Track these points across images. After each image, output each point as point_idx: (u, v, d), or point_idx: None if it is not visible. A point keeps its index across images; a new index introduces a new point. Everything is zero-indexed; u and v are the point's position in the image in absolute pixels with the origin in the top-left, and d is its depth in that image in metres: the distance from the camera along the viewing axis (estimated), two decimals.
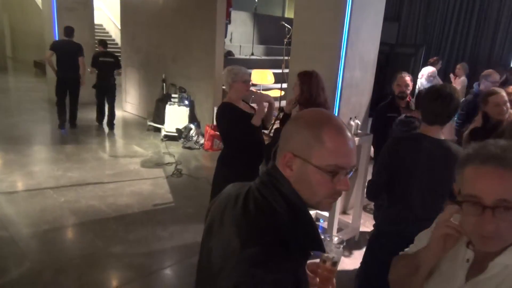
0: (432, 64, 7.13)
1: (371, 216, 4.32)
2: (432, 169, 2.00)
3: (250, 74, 2.96)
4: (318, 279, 1.09)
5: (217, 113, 2.94)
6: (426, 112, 2.02)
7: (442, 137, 2.04)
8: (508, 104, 2.66)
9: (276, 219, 0.87)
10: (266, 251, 0.81)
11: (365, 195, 2.35)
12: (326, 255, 1.07)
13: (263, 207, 0.89)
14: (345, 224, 3.86)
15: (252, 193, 0.93)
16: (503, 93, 2.67)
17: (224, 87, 3.03)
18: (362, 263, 2.35)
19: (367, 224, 4.10)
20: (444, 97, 1.95)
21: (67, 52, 6.46)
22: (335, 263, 1.09)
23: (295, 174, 0.89)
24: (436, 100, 1.96)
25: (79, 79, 6.68)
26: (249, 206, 0.90)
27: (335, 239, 1.12)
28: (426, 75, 5.43)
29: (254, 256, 0.81)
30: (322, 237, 1.04)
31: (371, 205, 4.59)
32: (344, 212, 4.31)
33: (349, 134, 0.90)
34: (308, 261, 1.07)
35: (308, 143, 0.87)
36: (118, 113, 8.48)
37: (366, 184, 2.25)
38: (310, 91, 2.94)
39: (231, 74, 2.83)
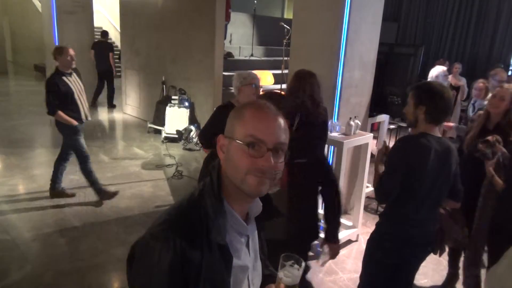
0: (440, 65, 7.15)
1: (372, 216, 4.32)
2: (437, 167, 1.99)
3: (259, 80, 2.94)
4: None
5: (216, 110, 2.93)
6: (433, 111, 1.97)
7: (439, 134, 2.05)
8: (506, 102, 2.65)
9: (195, 203, 0.93)
10: (164, 224, 0.89)
11: (376, 197, 2.28)
12: (279, 276, 1.00)
13: (194, 193, 0.96)
14: (346, 225, 3.86)
15: (203, 181, 0.99)
16: (506, 89, 2.66)
17: (233, 90, 3.00)
18: (364, 267, 2.33)
19: (368, 224, 4.09)
20: (448, 95, 1.96)
21: (101, 50, 8.39)
22: (292, 287, 0.99)
23: (225, 155, 0.93)
24: (442, 99, 1.95)
25: (111, 69, 8.53)
26: (189, 192, 0.98)
27: (292, 262, 1.01)
28: (441, 74, 5.33)
29: (155, 225, 0.90)
30: (284, 256, 1.00)
31: (372, 205, 4.59)
32: (345, 212, 4.31)
33: (273, 112, 0.93)
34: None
35: (233, 122, 0.93)
36: (119, 115, 8.51)
37: (376, 185, 2.17)
38: (291, 90, 2.70)
39: (240, 78, 2.84)
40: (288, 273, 0.98)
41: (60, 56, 3.87)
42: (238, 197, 0.95)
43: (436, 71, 5.24)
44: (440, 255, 2.59)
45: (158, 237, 0.86)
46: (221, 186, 0.94)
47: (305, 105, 2.64)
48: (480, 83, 4.51)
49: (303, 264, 1.01)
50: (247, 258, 0.99)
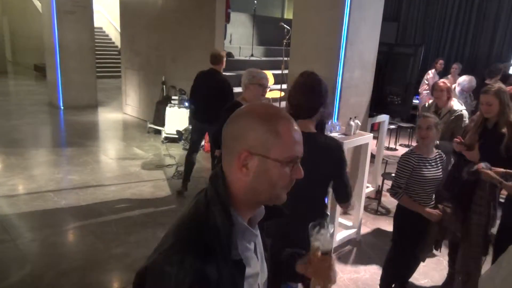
0: (435, 67, 7.14)
1: (372, 216, 4.32)
2: (307, 165, 1.96)
3: (268, 80, 2.96)
4: (311, 271, 1.03)
5: (225, 113, 2.96)
6: (290, 106, 1.98)
7: (313, 130, 1.99)
8: (494, 106, 2.65)
9: (203, 219, 0.88)
10: (176, 246, 0.84)
11: None
12: (315, 245, 1.00)
13: (199, 207, 0.91)
14: (346, 225, 3.86)
15: (203, 192, 0.94)
16: (489, 94, 2.66)
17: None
18: None
19: (368, 224, 4.10)
20: (308, 89, 1.93)
21: None
22: (326, 253, 1.00)
23: (253, 172, 0.87)
24: (297, 93, 1.94)
25: None
26: (192, 205, 0.93)
27: (320, 229, 1.01)
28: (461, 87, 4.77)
29: (166, 248, 0.85)
30: (311, 225, 1.00)
31: (372, 205, 4.59)
32: (345, 212, 4.31)
33: (296, 123, 0.93)
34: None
35: (266, 139, 0.86)
36: (119, 115, 8.51)
37: None
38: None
39: (249, 75, 2.87)
40: (323, 240, 0.98)
41: (222, 59, 4.36)
42: (248, 207, 0.93)
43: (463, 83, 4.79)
44: (440, 250, 2.61)
45: (173, 262, 0.81)
46: (229, 196, 0.90)
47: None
48: (440, 83, 3.62)
49: (332, 226, 1.00)
50: (257, 264, 0.98)
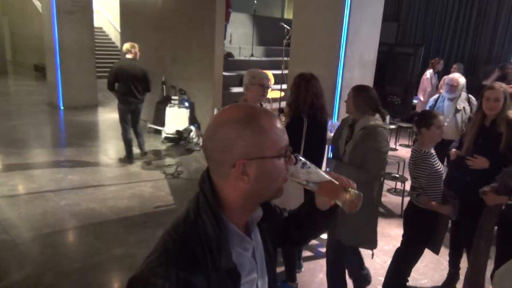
0: (433, 66, 7.13)
1: None
2: None
3: (269, 80, 2.95)
4: (329, 198, 1.00)
5: None
6: None
7: None
8: (501, 103, 2.65)
9: (193, 227, 0.86)
10: (161, 257, 0.83)
11: None
12: (300, 183, 0.96)
13: (189, 214, 0.89)
14: None
15: (194, 199, 0.93)
16: (498, 90, 2.66)
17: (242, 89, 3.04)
18: None
19: None
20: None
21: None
22: (323, 180, 0.96)
23: (254, 177, 0.86)
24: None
25: None
26: (183, 212, 0.92)
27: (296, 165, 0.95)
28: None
29: (152, 258, 0.83)
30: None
31: None
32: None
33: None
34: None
35: (256, 141, 0.84)
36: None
37: None
38: (305, 96, 2.72)
39: (249, 76, 2.86)
40: (304, 173, 0.94)
41: (134, 50, 5.26)
42: (246, 211, 0.92)
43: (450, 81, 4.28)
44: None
45: (157, 274, 0.79)
46: (219, 202, 0.89)
47: (313, 107, 2.70)
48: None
49: (301, 160, 0.95)
50: (254, 269, 0.95)
